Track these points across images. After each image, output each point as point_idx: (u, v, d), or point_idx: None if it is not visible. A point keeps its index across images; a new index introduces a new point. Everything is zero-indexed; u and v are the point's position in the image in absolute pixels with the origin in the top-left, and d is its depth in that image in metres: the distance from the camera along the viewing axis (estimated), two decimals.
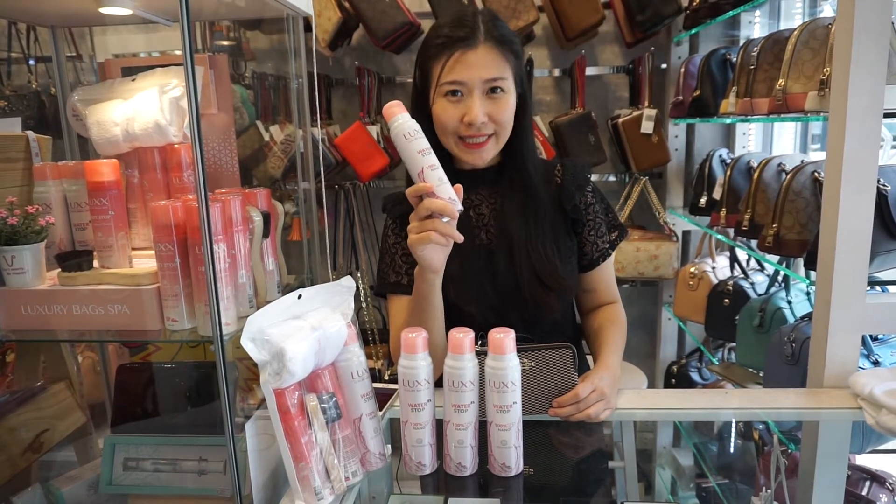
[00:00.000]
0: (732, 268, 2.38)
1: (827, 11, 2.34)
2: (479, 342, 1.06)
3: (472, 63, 1.13)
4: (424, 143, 1.02)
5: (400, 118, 1.02)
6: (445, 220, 1.02)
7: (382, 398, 1.22)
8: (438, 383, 1.03)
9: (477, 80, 1.13)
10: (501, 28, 1.17)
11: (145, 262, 1.21)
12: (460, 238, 1.03)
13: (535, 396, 1.15)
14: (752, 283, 2.23)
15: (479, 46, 1.13)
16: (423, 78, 1.20)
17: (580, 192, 1.27)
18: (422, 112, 1.19)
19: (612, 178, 2.88)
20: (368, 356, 1.53)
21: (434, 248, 1.04)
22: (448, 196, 1.01)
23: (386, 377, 2.67)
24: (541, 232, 1.21)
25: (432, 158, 1.02)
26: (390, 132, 1.03)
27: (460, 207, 1.02)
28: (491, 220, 1.26)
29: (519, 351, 1.01)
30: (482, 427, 1.04)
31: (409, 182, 1.05)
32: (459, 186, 1.03)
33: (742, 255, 2.35)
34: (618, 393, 1.21)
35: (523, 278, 1.20)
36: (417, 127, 1.02)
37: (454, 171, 1.25)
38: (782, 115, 1.74)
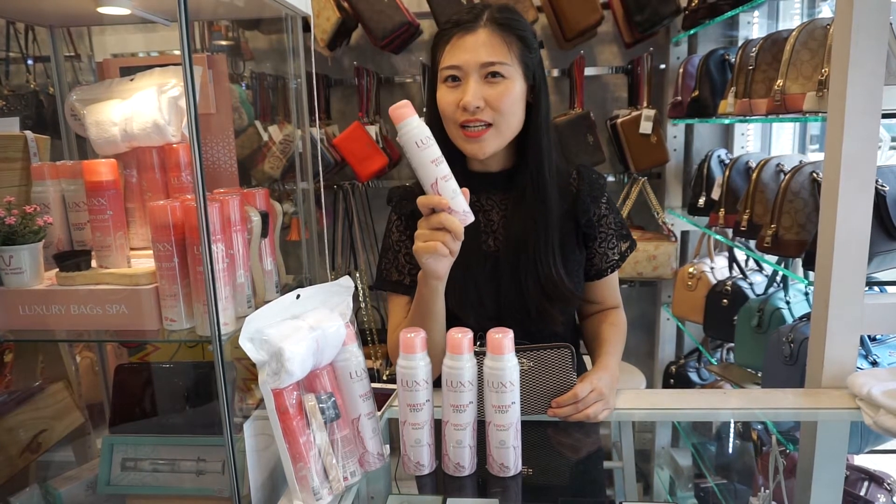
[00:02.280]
0: (731, 268, 2.38)
1: (825, 12, 2.34)
2: (478, 342, 1.06)
3: (469, 46, 1.11)
4: (437, 152, 0.98)
5: (410, 122, 0.96)
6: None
7: (381, 398, 1.21)
8: (437, 383, 1.03)
9: (473, 63, 1.10)
10: (507, 14, 1.13)
11: (143, 262, 1.21)
12: (456, 253, 1.03)
13: (534, 396, 1.15)
14: (750, 284, 2.22)
15: (479, 30, 1.11)
16: (432, 70, 1.18)
17: (595, 203, 1.24)
18: (436, 107, 1.17)
19: (610, 179, 2.88)
20: (367, 356, 1.53)
21: (438, 257, 1.03)
22: (462, 209, 1.00)
23: (385, 377, 2.67)
24: (550, 242, 1.18)
25: (445, 168, 0.99)
26: (399, 136, 0.98)
27: (472, 218, 1.02)
28: (500, 226, 1.23)
29: (517, 351, 1.01)
30: (481, 427, 1.04)
31: (419, 183, 1.03)
32: (466, 190, 1.02)
33: (740, 255, 2.36)
34: (616, 393, 1.21)
35: (528, 288, 1.18)
36: (429, 133, 0.98)
37: (467, 172, 1.22)
38: (781, 116, 1.74)
